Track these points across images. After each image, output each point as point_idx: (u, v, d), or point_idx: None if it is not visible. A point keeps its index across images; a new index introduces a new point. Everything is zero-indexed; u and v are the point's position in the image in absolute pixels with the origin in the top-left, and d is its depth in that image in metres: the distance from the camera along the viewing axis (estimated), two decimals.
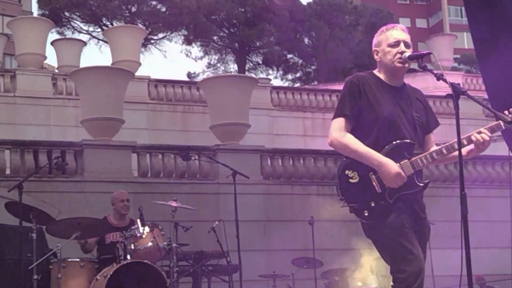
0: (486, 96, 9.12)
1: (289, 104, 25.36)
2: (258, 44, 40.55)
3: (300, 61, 43.32)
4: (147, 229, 8.64)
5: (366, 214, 4.72)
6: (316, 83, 40.19)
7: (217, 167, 15.48)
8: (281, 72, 43.46)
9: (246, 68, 41.31)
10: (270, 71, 42.97)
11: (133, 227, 8.69)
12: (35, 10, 39.49)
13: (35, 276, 8.35)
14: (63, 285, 8.32)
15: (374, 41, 5.00)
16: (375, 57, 4.98)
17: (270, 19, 38.34)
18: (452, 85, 4.50)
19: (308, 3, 41.93)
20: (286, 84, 41.92)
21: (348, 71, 37.52)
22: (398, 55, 4.82)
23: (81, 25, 38.89)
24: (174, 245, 8.76)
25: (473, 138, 4.75)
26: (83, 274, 8.52)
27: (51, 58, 30.30)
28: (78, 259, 8.66)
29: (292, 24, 39.21)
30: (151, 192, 14.71)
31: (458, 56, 47.47)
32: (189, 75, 43.79)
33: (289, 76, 44.07)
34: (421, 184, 4.81)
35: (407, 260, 4.61)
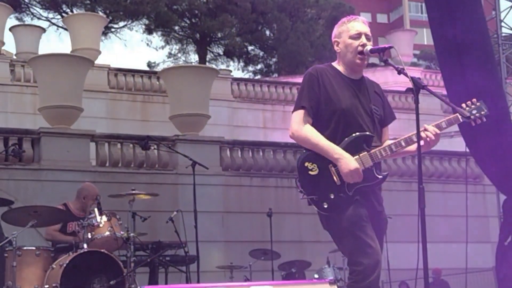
0: (445, 92, 9.25)
1: (250, 96, 25.40)
2: (219, 35, 40.44)
3: (261, 53, 43.31)
4: (104, 218, 8.58)
5: (326, 206, 4.70)
6: (276, 75, 40.26)
7: (176, 158, 15.47)
8: (242, 63, 43.44)
9: (207, 59, 41.20)
10: (231, 63, 42.93)
11: (90, 216, 8.61)
12: None
13: None
14: (18, 273, 8.21)
15: (335, 31, 4.98)
16: (335, 48, 4.95)
17: (232, 11, 38.26)
18: (413, 79, 4.54)
19: None
20: (246, 76, 41.91)
21: (309, 64, 37.67)
22: (360, 48, 4.81)
23: (41, 11, 38.39)
24: (131, 234, 8.72)
25: (423, 134, 4.75)
26: (39, 263, 8.42)
27: (9, 45, 29.96)
28: (33, 248, 8.55)
29: (254, 16, 39.17)
30: (109, 182, 14.65)
31: (418, 52, 47.89)
32: (149, 64, 43.54)
33: (250, 68, 44.06)
34: (380, 177, 4.80)
35: (364, 253, 4.60)
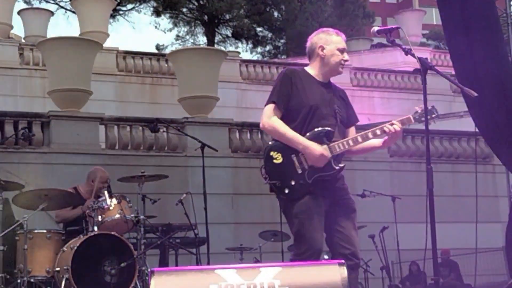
0: (453, 72, 9.22)
1: (258, 77, 25.37)
2: (227, 16, 40.35)
3: (270, 35, 43.21)
4: (114, 201, 8.61)
5: (286, 192, 5.16)
6: (285, 57, 40.15)
7: (185, 140, 15.48)
8: (250, 45, 43.34)
9: (215, 41, 41.11)
10: (240, 44, 42.85)
11: (100, 199, 8.65)
12: None
13: (1, 247, 8.32)
14: (30, 256, 8.27)
15: (320, 37, 5.44)
16: (319, 51, 5.39)
17: None
18: (420, 60, 4.56)
19: None
20: (255, 58, 41.81)
21: None
22: (343, 61, 5.38)
23: None
24: (141, 217, 8.76)
25: (385, 129, 5.19)
26: (50, 246, 8.48)
27: (18, 28, 29.93)
28: (44, 231, 8.61)
29: None
30: (118, 164, 14.68)
31: (427, 31, 47.65)
32: (157, 47, 43.48)
33: (259, 50, 43.95)
34: (337, 168, 5.20)
35: (304, 240, 5.10)
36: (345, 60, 5.38)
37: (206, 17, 40.53)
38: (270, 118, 5.28)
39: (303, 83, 5.32)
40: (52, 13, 29.22)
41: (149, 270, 6.57)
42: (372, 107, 26.08)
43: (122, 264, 8.08)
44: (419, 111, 5.18)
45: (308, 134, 5.18)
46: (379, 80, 27.32)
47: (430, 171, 4.54)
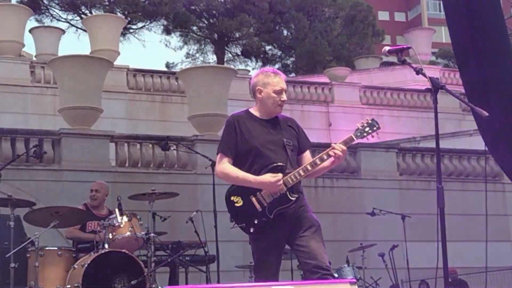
0: (463, 91, 9.21)
1: None
2: (237, 35, 40.48)
3: (279, 53, 43.30)
4: (125, 218, 8.63)
5: (252, 231, 5.50)
6: (294, 75, 40.21)
7: (195, 158, 15.50)
8: (260, 63, 43.40)
9: (225, 59, 41.23)
10: (249, 62, 42.95)
11: (111, 217, 8.68)
12: None
13: (12, 264, 8.33)
14: (41, 273, 8.28)
15: (258, 80, 5.72)
16: (257, 95, 5.69)
17: (250, 10, 38.30)
18: (431, 79, 4.57)
19: None
20: None
21: (326, 63, 37.60)
22: (280, 102, 5.64)
23: (60, 13, 38.61)
24: (152, 234, 8.77)
25: (331, 153, 5.45)
26: (61, 263, 8.49)
27: (29, 46, 30.13)
28: (55, 248, 8.63)
29: (272, 16, 39.18)
30: (128, 182, 14.72)
31: (436, 50, 47.67)
32: (167, 65, 43.62)
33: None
34: (293, 199, 5.46)
35: (260, 271, 5.56)
36: (283, 100, 5.65)
37: (216, 36, 40.68)
38: (221, 166, 5.57)
39: (247, 126, 5.61)
40: (63, 32, 29.37)
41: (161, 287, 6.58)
42: (381, 125, 25.78)
43: (133, 282, 8.09)
44: (360, 127, 5.53)
45: (262, 171, 5.45)
46: (388, 98, 27.31)
47: (441, 191, 4.53)
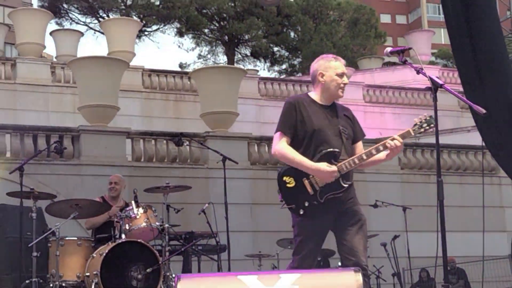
0: (461, 89, 9.19)
1: (275, 94, 25.39)
2: (246, 37, 40.44)
3: (286, 54, 43.25)
4: (141, 210, 8.65)
5: (302, 213, 5.26)
6: (300, 74, 40.17)
7: (207, 153, 15.50)
8: (268, 64, 43.40)
9: (235, 59, 41.21)
10: (258, 63, 42.92)
11: (128, 208, 8.70)
12: (35, 1, 39.24)
13: (35, 253, 8.36)
14: (61, 262, 8.32)
15: (320, 64, 5.48)
16: (319, 78, 5.44)
17: (258, 14, 38.26)
18: (431, 79, 4.55)
19: None
20: (272, 75, 41.84)
21: None
22: (342, 85, 5.43)
23: (79, 16, 38.68)
24: (166, 225, 8.78)
25: (387, 144, 5.24)
26: (80, 252, 8.52)
27: (50, 48, 30.28)
28: (75, 238, 8.66)
29: (279, 19, 39.14)
30: (144, 176, 14.73)
31: (435, 51, 47.52)
32: (181, 65, 43.62)
33: (276, 68, 43.99)
34: (345, 186, 5.27)
35: (302, 256, 5.30)
36: (345, 84, 5.45)
37: (226, 37, 40.66)
38: (279, 145, 5.36)
39: (307, 109, 5.40)
40: (82, 34, 29.41)
41: (174, 275, 6.58)
42: (384, 122, 26.01)
43: (148, 270, 8.11)
44: (418, 122, 5.24)
45: (315, 156, 5.26)
46: (390, 96, 27.27)
47: (440, 184, 4.52)
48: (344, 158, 5.30)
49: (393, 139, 5.24)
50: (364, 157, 5.29)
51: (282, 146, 5.35)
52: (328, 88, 5.44)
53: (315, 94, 5.53)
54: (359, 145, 5.56)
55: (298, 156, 5.28)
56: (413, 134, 5.26)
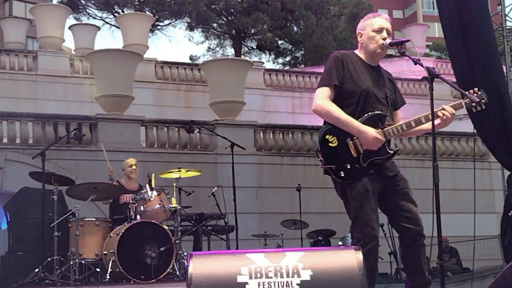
0: (454, 80, 9.18)
1: (280, 84, 25.35)
2: (252, 31, 40.32)
3: (290, 47, 43.11)
4: (154, 193, 8.69)
5: (342, 175, 4.66)
6: (303, 66, 40.09)
7: (215, 140, 15.51)
8: (273, 56, 43.26)
9: (242, 52, 41.12)
10: (263, 55, 42.78)
11: (142, 191, 8.74)
12: None
13: (56, 233, 8.41)
14: (81, 241, 8.37)
15: (360, 25, 4.94)
16: (359, 38, 4.91)
17: (264, 9, 38.13)
18: (428, 69, 4.52)
19: None
20: (277, 67, 41.75)
21: None
22: (381, 41, 4.80)
23: (96, 11, 38.53)
24: (178, 207, 8.81)
25: (439, 114, 4.72)
26: (98, 232, 8.58)
27: (69, 41, 30.13)
28: (94, 219, 8.72)
29: (283, 14, 38.99)
30: (157, 161, 14.76)
31: (430, 43, 47.34)
32: (191, 57, 43.56)
33: (280, 60, 43.87)
34: (391, 152, 4.78)
35: (364, 223, 4.64)
36: (383, 39, 4.79)
37: (233, 31, 40.55)
38: (323, 101, 4.67)
39: (355, 66, 4.77)
40: (98, 28, 29.35)
41: (187, 253, 6.60)
42: None
43: (162, 248, 8.14)
44: (473, 95, 4.75)
45: (362, 118, 4.68)
46: None
47: (436, 168, 4.51)
48: (390, 124, 4.79)
49: (444, 109, 4.74)
50: (413, 124, 4.75)
51: (326, 103, 4.66)
52: (367, 48, 4.83)
53: (360, 53, 4.91)
54: (399, 112, 5.04)
55: (343, 115, 4.63)
56: (464, 106, 4.79)
